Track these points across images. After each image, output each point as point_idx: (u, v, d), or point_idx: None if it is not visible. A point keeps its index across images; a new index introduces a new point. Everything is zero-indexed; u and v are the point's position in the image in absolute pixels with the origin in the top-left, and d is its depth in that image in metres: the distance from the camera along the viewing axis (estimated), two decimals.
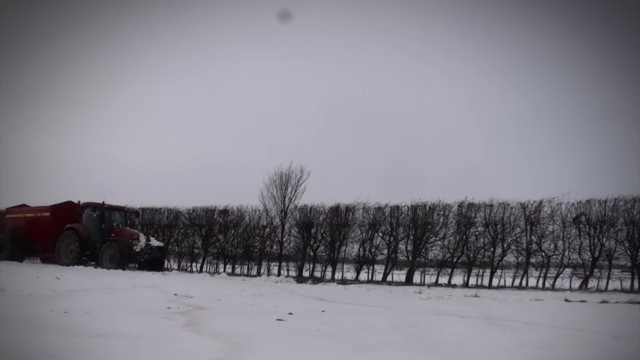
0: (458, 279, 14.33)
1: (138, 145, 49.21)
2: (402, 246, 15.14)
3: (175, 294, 7.97)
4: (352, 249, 15.80)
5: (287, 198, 16.85)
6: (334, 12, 42.51)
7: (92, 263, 16.92)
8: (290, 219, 16.83)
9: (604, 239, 12.77)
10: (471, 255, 14.21)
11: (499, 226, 13.91)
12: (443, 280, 14.39)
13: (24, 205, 19.72)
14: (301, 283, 13.25)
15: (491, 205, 14.04)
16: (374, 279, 15.16)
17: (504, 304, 8.45)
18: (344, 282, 14.14)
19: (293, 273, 16.42)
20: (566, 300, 9.31)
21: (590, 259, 12.85)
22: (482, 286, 13.39)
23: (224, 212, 18.01)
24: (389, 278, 15.08)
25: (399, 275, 15.45)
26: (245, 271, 17.40)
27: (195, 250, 18.51)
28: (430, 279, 14.74)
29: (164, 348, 3.84)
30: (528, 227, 13.65)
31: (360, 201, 15.75)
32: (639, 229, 12.32)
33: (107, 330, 4.36)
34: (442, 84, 44.15)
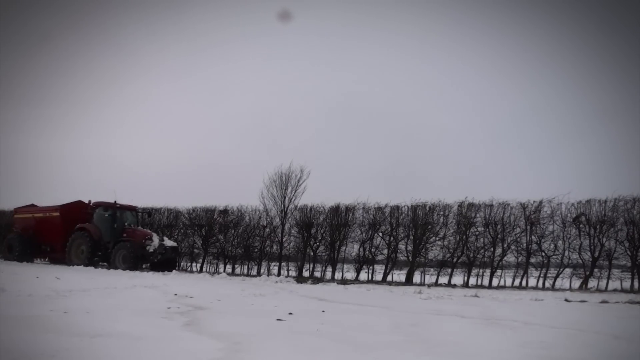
0: (458, 279, 14.33)
1: (138, 145, 49.21)
2: (402, 246, 15.14)
3: (175, 294, 7.98)
4: (352, 249, 15.81)
5: (287, 198, 16.86)
6: (334, 12, 42.52)
7: (104, 264, 16.67)
8: (290, 219, 16.84)
9: (604, 239, 12.77)
10: (471, 255, 14.22)
11: (499, 226, 13.92)
12: (443, 280, 14.39)
13: (32, 205, 19.47)
14: (301, 283, 13.25)
15: (491, 205, 14.05)
16: (374, 279, 15.16)
17: (504, 304, 8.44)
18: (344, 282, 14.14)
19: (293, 273, 16.42)
20: (566, 300, 9.31)
21: (590, 259, 12.85)
22: (482, 286, 13.39)
23: (224, 212, 18.01)
24: (389, 278, 15.08)
25: (399, 275, 15.45)
26: (245, 271, 17.40)
27: (195, 250, 18.51)
28: (430, 279, 14.74)
29: (164, 348, 3.84)
30: (528, 227, 13.65)
31: (360, 201, 15.77)
32: (639, 229, 12.32)
33: (107, 330, 4.36)
34: (442, 84, 44.16)
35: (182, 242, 18.47)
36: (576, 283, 12.98)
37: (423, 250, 14.82)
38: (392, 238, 15.19)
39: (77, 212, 17.60)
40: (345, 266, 16.11)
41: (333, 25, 43.09)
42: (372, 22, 43.42)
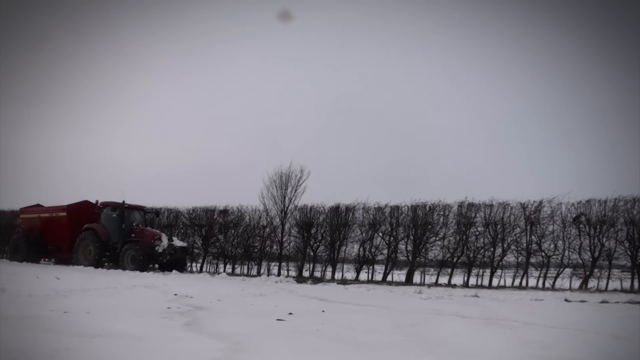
0: (458, 279, 14.33)
1: (138, 145, 49.21)
2: (402, 246, 15.14)
3: (175, 294, 7.97)
4: (352, 249, 15.81)
5: (287, 198, 16.87)
6: (334, 12, 42.52)
7: (111, 264, 16.43)
8: (290, 219, 16.84)
9: (604, 239, 12.77)
10: (471, 255, 14.22)
11: (499, 226, 13.92)
12: (443, 280, 14.39)
13: (38, 205, 19.25)
14: (301, 283, 13.25)
15: (491, 205, 14.05)
16: (374, 279, 15.16)
17: (504, 304, 8.44)
18: (344, 282, 14.14)
19: (293, 273, 16.42)
20: (566, 300, 9.31)
21: (590, 259, 12.85)
22: (482, 286, 13.39)
23: (224, 212, 18.01)
24: (389, 278, 15.08)
25: (399, 275, 15.45)
26: (245, 271, 17.41)
27: (195, 250, 18.51)
28: (430, 279, 14.75)
29: (164, 348, 3.84)
30: (528, 227, 13.65)
31: (360, 201, 15.78)
32: (639, 229, 12.32)
33: (107, 330, 4.35)
34: (442, 84, 44.16)
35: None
36: (576, 283, 12.98)
37: (423, 250, 14.82)
38: (392, 238, 15.20)
39: (84, 212, 17.37)
40: (345, 266, 16.12)
41: (333, 25, 43.11)
42: (372, 22, 43.44)
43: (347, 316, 6.31)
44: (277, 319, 5.43)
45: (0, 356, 3.24)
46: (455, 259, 14.39)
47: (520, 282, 13.51)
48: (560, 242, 13.30)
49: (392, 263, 15.20)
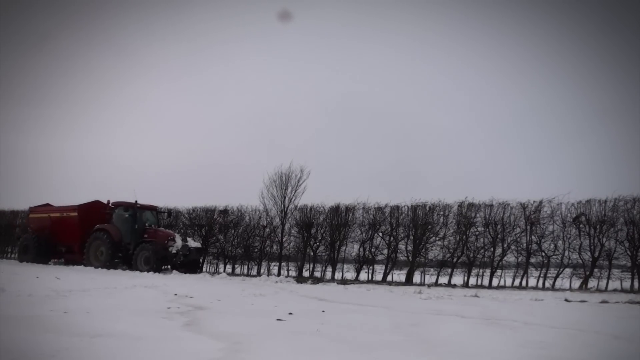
0: (458, 279, 14.32)
1: (138, 145, 49.22)
2: (402, 246, 15.14)
3: (175, 294, 7.98)
4: (352, 249, 15.79)
5: (287, 198, 16.85)
6: (334, 12, 42.52)
7: (123, 265, 16.22)
8: (290, 219, 16.83)
9: (604, 239, 12.76)
10: (471, 255, 14.21)
11: (499, 226, 13.91)
12: (443, 280, 14.39)
13: (47, 205, 19.03)
14: (301, 283, 13.25)
15: (491, 205, 14.04)
16: (374, 279, 15.16)
17: (504, 304, 8.44)
18: (344, 282, 14.14)
19: (293, 273, 16.41)
20: (566, 300, 9.31)
21: (590, 259, 12.85)
22: (482, 286, 13.39)
23: (224, 212, 18.00)
24: (389, 278, 15.08)
25: (399, 275, 15.44)
26: (245, 271, 17.40)
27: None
28: (430, 279, 14.74)
29: (164, 348, 3.84)
30: (528, 227, 13.64)
31: (360, 201, 15.76)
32: (639, 229, 12.32)
33: (107, 330, 4.36)
34: (442, 84, 44.16)
35: None
36: (576, 283, 12.98)
37: (423, 250, 14.82)
38: (392, 238, 15.19)
39: (94, 212, 17.10)
40: (345, 266, 16.11)
41: (333, 25, 43.12)
42: (372, 22, 43.45)
43: (347, 316, 6.31)
44: (277, 319, 5.43)
45: (0, 356, 3.24)
46: (455, 259, 14.39)
47: (520, 282, 13.51)
48: (560, 242, 13.30)
49: (392, 263, 15.20)
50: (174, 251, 15.44)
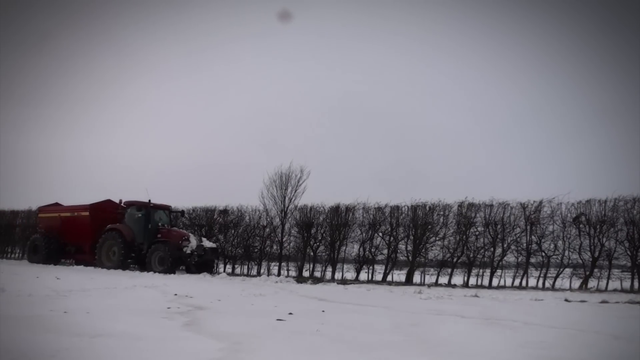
0: (458, 279, 14.33)
1: (138, 145, 49.23)
2: (402, 246, 15.14)
3: (175, 294, 7.98)
4: (352, 249, 15.80)
5: (287, 198, 16.86)
6: (334, 12, 42.53)
7: (135, 266, 15.97)
8: (290, 219, 16.84)
9: (604, 239, 12.77)
10: (471, 255, 14.21)
11: (499, 226, 13.91)
12: (443, 280, 14.39)
13: (57, 204, 18.74)
14: (301, 283, 13.25)
15: (491, 205, 14.04)
16: (374, 279, 15.16)
17: (504, 304, 8.44)
18: (344, 282, 14.14)
19: (293, 273, 16.41)
20: (566, 300, 9.31)
21: (590, 259, 12.85)
22: (482, 286, 13.39)
23: (224, 212, 18.00)
24: (389, 278, 15.08)
25: (399, 275, 15.45)
26: (245, 271, 17.40)
27: None
28: (430, 279, 14.74)
29: (164, 348, 3.84)
30: (528, 227, 13.65)
31: (360, 201, 15.77)
32: (639, 229, 12.32)
33: (107, 330, 4.36)
34: (442, 84, 44.17)
35: None
36: (576, 283, 12.98)
37: (423, 250, 14.82)
38: (392, 238, 15.19)
39: (106, 211, 16.84)
40: (345, 266, 16.11)
41: (333, 25, 43.13)
42: (372, 22, 43.46)
43: (347, 316, 6.31)
44: (277, 319, 5.43)
45: (0, 356, 3.24)
46: (455, 259, 14.39)
47: (520, 282, 13.51)
48: (560, 242, 13.31)
49: (392, 263, 15.20)
50: (188, 251, 15.12)
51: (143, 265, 15.63)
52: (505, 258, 13.94)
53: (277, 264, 16.88)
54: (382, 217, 15.33)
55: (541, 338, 4.79)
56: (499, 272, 14.10)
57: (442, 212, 14.67)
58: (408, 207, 15.05)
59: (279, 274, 15.91)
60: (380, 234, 15.42)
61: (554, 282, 13.12)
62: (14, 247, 23.29)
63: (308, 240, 16.38)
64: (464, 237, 14.29)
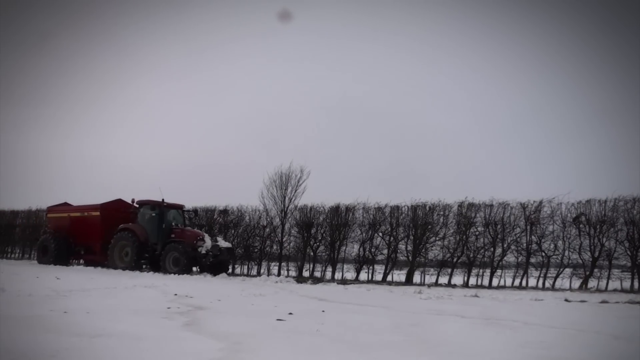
0: (458, 279, 14.33)
1: (138, 145, 49.24)
2: (402, 246, 15.14)
3: (175, 294, 7.97)
4: (352, 249, 15.81)
5: (287, 198, 16.86)
6: (334, 12, 42.53)
7: (147, 267, 15.66)
8: (290, 219, 16.84)
9: (604, 239, 12.77)
10: (471, 255, 14.21)
11: (499, 226, 13.91)
12: (443, 280, 14.39)
13: (65, 204, 18.49)
14: (301, 283, 13.24)
15: (491, 205, 14.05)
16: (374, 279, 15.16)
17: (504, 304, 8.44)
18: (344, 282, 14.14)
19: (293, 273, 16.42)
20: (566, 300, 9.31)
21: (590, 259, 12.85)
22: (482, 286, 13.39)
23: (224, 212, 18.00)
24: (389, 278, 15.08)
25: (399, 275, 15.45)
26: (245, 271, 17.40)
27: None
28: (430, 279, 14.74)
29: (164, 348, 3.84)
30: (528, 227, 13.65)
31: (360, 201, 15.78)
32: (639, 229, 12.32)
33: (107, 330, 4.35)
34: (441, 84, 44.18)
35: None
36: (576, 283, 12.98)
37: (423, 250, 14.82)
38: (392, 238, 15.20)
39: (117, 211, 16.57)
40: (345, 266, 16.12)
41: (333, 25, 43.14)
42: (372, 22, 43.46)
43: (347, 316, 6.31)
44: (277, 319, 5.43)
45: (0, 356, 3.24)
46: (455, 259, 14.39)
47: (520, 282, 13.51)
48: (560, 242, 13.31)
49: (392, 263, 15.20)
50: (203, 251, 14.84)
51: (156, 266, 15.32)
52: (505, 258, 13.95)
53: (277, 264, 16.88)
54: (382, 217, 15.34)
55: (541, 338, 4.78)
56: (499, 272, 14.10)
57: (442, 212, 14.68)
58: (408, 207, 15.07)
59: (279, 274, 15.91)
60: (380, 234, 15.42)
61: (554, 282, 13.12)
62: (14, 247, 23.30)
63: (308, 240, 16.38)
64: (464, 237, 14.29)
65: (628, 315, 7.31)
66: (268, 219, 17.12)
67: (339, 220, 15.95)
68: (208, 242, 15.05)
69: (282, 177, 17.04)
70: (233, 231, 17.65)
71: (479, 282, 13.95)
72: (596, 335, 5.12)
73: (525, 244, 13.66)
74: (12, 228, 22.91)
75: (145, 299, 7.41)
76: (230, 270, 16.53)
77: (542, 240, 13.50)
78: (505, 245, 13.86)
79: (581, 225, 13.03)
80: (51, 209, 18.58)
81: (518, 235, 13.77)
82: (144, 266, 15.65)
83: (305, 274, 16.19)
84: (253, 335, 4.51)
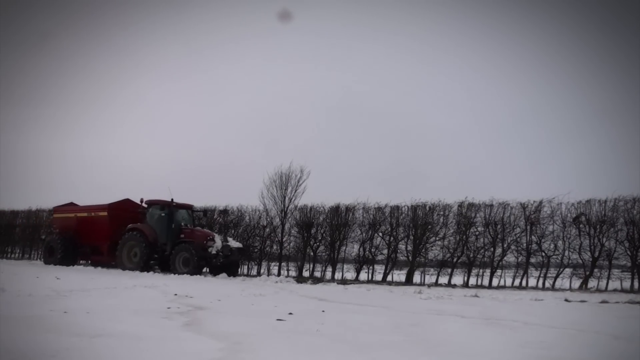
0: (458, 279, 14.33)
1: (138, 145, 49.25)
2: (402, 246, 15.14)
3: (175, 294, 7.97)
4: (352, 249, 15.80)
5: (287, 198, 16.86)
6: (334, 12, 42.55)
7: (157, 268, 15.43)
8: (290, 219, 16.84)
9: (604, 239, 12.77)
10: (471, 255, 14.21)
11: (499, 226, 13.91)
12: (443, 280, 14.39)
13: (72, 204, 18.30)
14: (301, 283, 13.25)
15: (491, 205, 14.05)
16: (374, 279, 15.16)
17: (504, 304, 8.44)
18: (344, 282, 14.14)
19: (293, 273, 16.41)
20: (566, 300, 9.31)
21: (590, 259, 12.85)
22: (482, 286, 13.39)
23: (224, 212, 17.99)
24: (389, 278, 15.08)
25: (399, 275, 15.45)
26: (245, 271, 17.40)
27: None
28: (430, 279, 14.74)
29: (164, 348, 3.84)
30: (528, 227, 13.65)
31: (360, 201, 15.77)
32: (639, 229, 12.32)
33: (107, 330, 4.36)
34: (442, 84, 44.19)
35: None
36: (576, 283, 12.98)
37: (423, 250, 14.82)
38: (392, 238, 15.19)
39: (124, 211, 16.38)
40: (345, 266, 16.11)
41: (333, 25, 43.14)
42: (372, 22, 43.47)
43: (347, 316, 6.31)
44: (277, 319, 5.43)
45: (0, 356, 3.24)
46: (455, 259, 14.39)
47: (520, 282, 13.51)
48: (560, 242, 13.31)
49: (392, 263, 15.20)
50: (213, 252, 14.52)
51: (166, 266, 15.14)
52: (505, 258, 13.95)
53: (277, 264, 16.88)
54: (382, 217, 15.34)
55: (541, 338, 4.78)
56: (499, 272, 14.10)
57: (442, 212, 14.68)
58: (408, 207, 15.07)
59: (279, 274, 15.91)
60: (380, 234, 15.42)
61: (554, 282, 13.12)
62: (14, 247, 23.30)
63: (308, 240, 16.38)
64: (464, 237, 14.29)
65: (628, 315, 7.31)
66: (268, 219, 17.13)
67: (339, 220, 15.95)
68: (218, 242, 14.85)
69: (282, 177, 17.05)
70: (233, 231, 17.64)
71: (479, 282, 13.95)
72: (596, 335, 5.13)
73: (525, 244, 13.66)
74: (12, 228, 22.90)
75: (146, 299, 7.41)
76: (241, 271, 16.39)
77: (542, 240, 13.50)
78: (505, 245, 13.86)
79: (581, 225, 13.03)
80: (57, 209, 18.40)
81: (518, 235, 13.77)
82: (154, 267, 15.44)
83: (305, 274, 16.19)
84: (253, 335, 4.51)
